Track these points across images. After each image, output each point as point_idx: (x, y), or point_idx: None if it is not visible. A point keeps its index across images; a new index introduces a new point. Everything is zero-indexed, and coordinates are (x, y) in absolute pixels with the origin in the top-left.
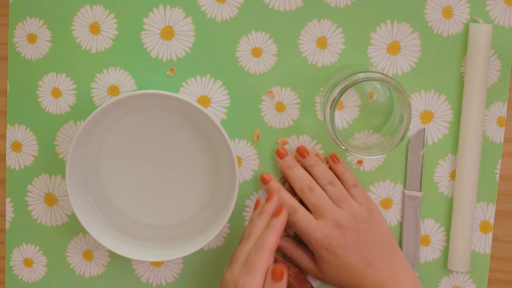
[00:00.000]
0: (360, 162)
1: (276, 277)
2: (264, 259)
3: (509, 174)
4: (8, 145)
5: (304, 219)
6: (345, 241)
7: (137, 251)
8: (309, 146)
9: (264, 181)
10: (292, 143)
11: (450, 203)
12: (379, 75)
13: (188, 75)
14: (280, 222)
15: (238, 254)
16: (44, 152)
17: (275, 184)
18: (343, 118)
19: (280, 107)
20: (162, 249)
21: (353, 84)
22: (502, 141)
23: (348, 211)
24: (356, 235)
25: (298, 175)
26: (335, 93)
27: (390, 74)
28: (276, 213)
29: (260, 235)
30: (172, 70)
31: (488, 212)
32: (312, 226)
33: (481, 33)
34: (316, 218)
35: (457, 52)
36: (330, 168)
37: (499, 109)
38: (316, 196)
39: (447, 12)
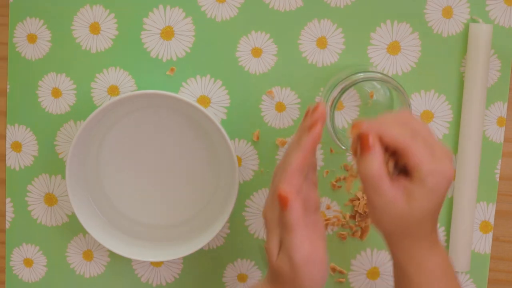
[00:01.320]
0: None
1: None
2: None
3: (509, 174)
4: (8, 145)
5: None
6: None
7: (137, 251)
8: None
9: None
10: None
11: (450, 203)
12: (379, 75)
13: (188, 75)
14: (309, 141)
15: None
16: (44, 152)
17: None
18: (343, 118)
19: (280, 107)
20: (162, 249)
21: (353, 84)
22: (502, 141)
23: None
24: None
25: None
26: (335, 93)
27: (390, 74)
28: (310, 126)
29: (288, 153)
30: (172, 70)
31: (488, 212)
32: (427, 159)
33: (481, 33)
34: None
35: (457, 52)
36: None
37: (499, 109)
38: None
39: (447, 12)
